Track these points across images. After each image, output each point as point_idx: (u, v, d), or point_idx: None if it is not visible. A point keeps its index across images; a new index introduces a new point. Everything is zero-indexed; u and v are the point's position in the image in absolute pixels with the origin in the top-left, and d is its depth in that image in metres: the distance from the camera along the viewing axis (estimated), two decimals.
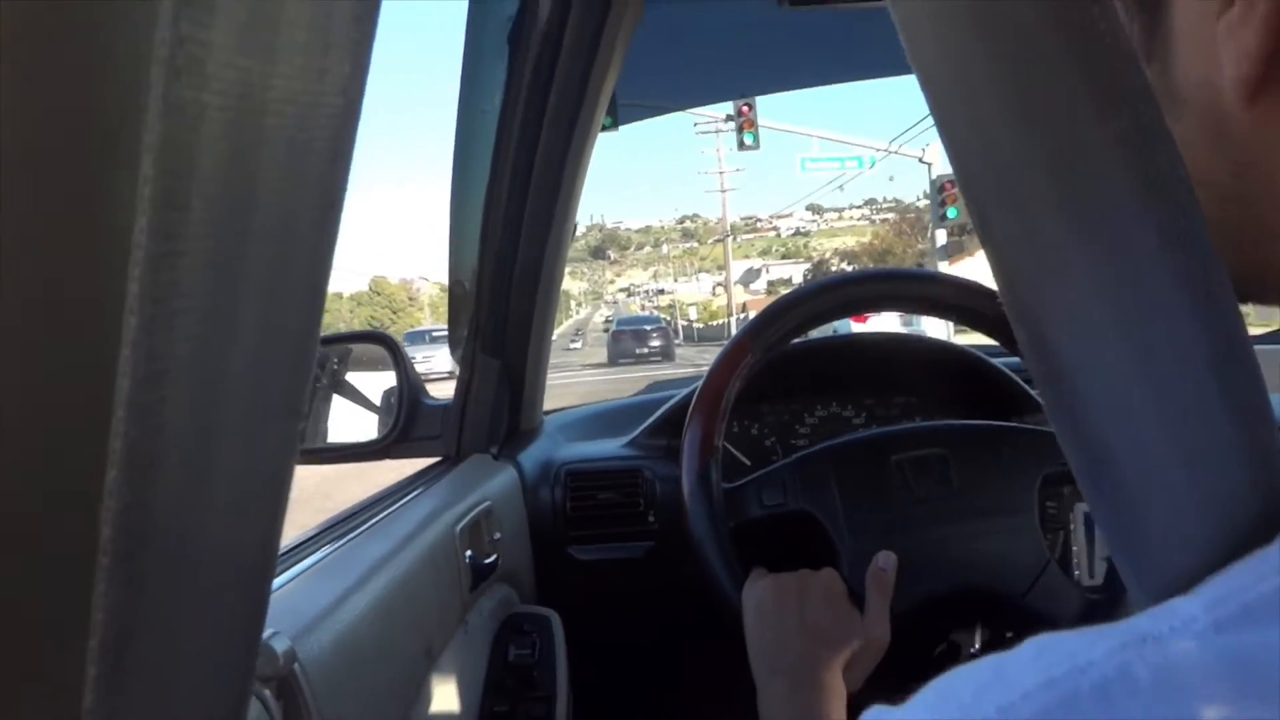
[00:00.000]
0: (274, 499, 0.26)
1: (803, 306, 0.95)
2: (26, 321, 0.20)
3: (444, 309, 1.22)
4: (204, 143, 0.20)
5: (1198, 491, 0.28)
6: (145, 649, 0.23)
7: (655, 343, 20.47)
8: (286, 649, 0.55)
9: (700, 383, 0.96)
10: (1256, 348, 0.27)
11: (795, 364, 1.25)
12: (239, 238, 0.22)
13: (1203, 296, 0.28)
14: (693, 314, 65.32)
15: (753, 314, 1.08)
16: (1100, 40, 0.25)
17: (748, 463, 1.26)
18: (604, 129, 1.07)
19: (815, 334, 1.23)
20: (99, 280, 0.21)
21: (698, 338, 50.40)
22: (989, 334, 0.98)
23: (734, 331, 1.02)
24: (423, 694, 0.81)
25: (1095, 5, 0.24)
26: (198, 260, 0.21)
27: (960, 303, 0.96)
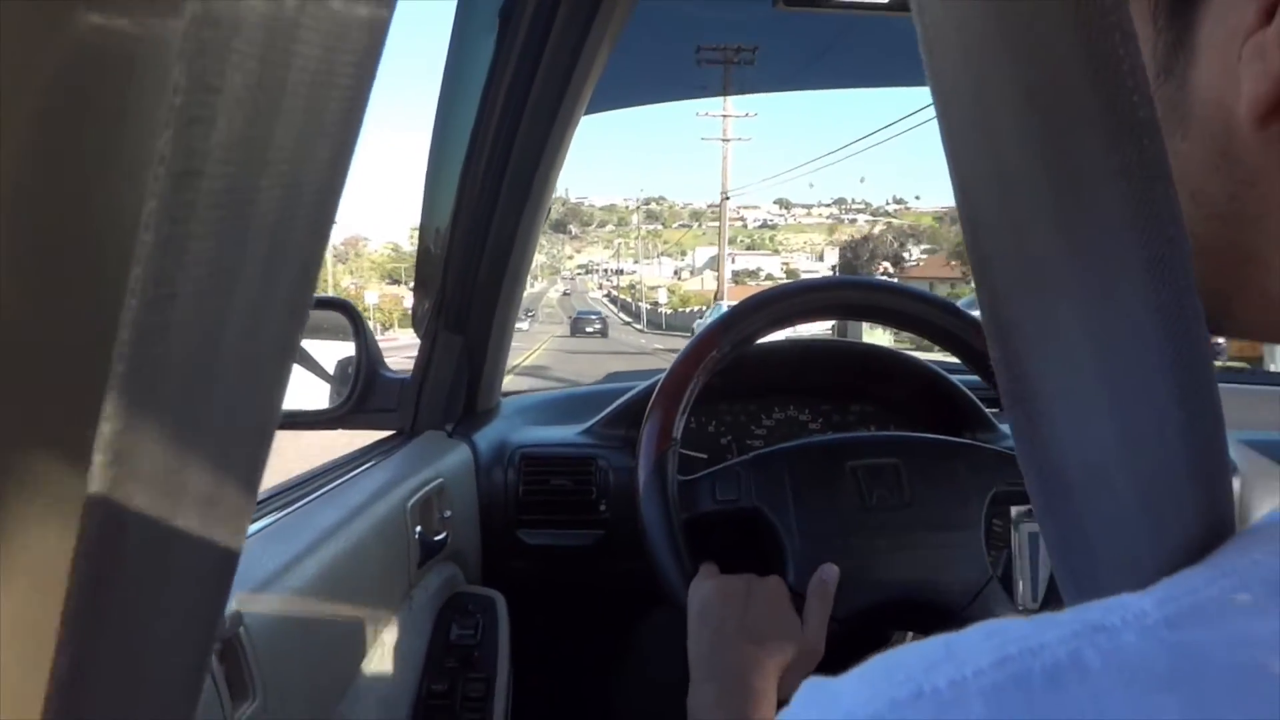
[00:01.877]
0: (259, 442, 0.26)
1: (775, 306, 0.97)
2: (41, 237, 0.20)
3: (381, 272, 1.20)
4: (233, 58, 0.20)
5: (1148, 518, 0.29)
6: (121, 593, 0.23)
7: (597, 326, 35.52)
8: (232, 611, 0.55)
9: (664, 374, 0.97)
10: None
11: (755, 365, 1.27)
12: (256, 165, 0.22)
13: (1179, 331, 0.29)
14: (661, 297, 61.93)
15: (725, 305, 1.10)
16: (1120, 72, 0.26)
17: (703, 457, 1.28)
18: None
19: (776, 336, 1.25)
20: (119, 193, 0.21)
21: (665, 325, 48.55)
22: (955, 353, 1.00)
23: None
24: (363, 666, 0.81)
25: (1118, 34, 0.25)
26: (216, 184, 0.20)
27: (937, 322, 0.98)
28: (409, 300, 1.20)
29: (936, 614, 0.91)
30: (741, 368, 1.22)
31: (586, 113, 1.45)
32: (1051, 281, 0.30)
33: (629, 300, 77.71)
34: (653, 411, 0.94)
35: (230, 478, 0.25)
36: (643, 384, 1.29)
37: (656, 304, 59.23)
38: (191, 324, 0.22)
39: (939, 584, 0.91)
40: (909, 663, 0.23)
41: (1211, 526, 0.29)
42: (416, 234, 1.12)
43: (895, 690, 0.22)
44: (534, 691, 1.20)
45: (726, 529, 0.98)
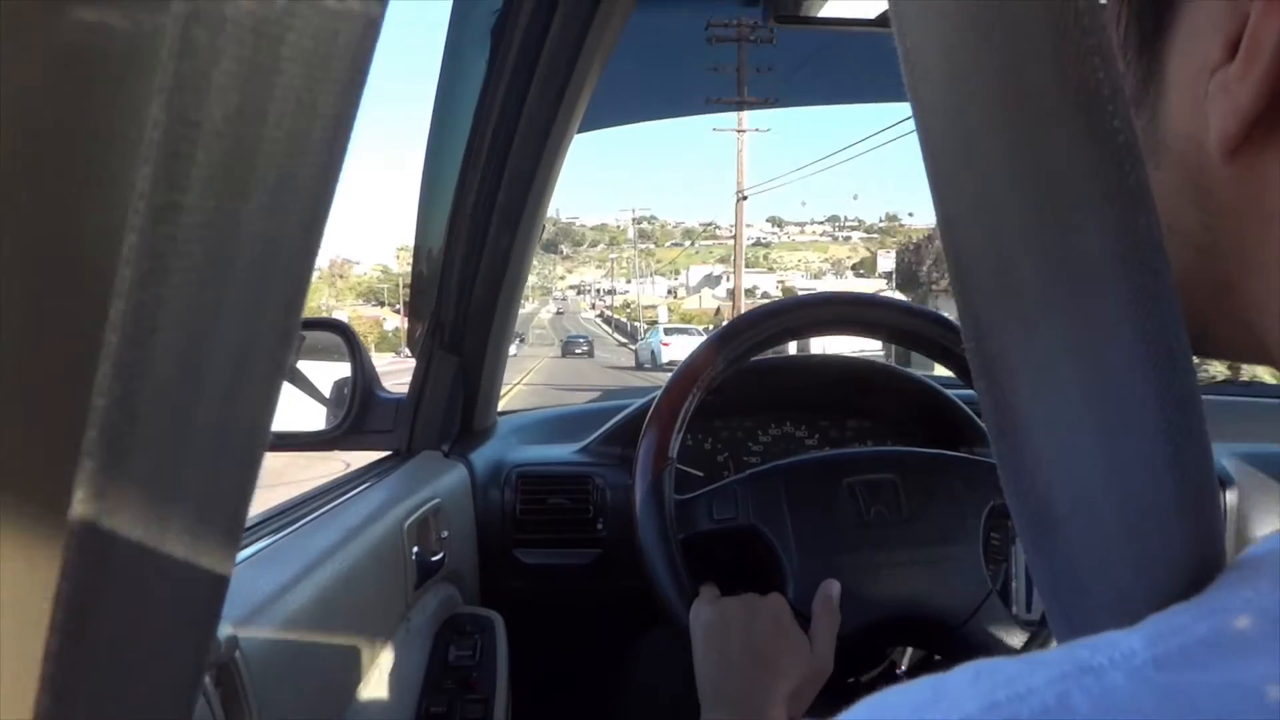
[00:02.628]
0: (246, 469, 0.25)
1: (772, 321, 0.97)
2: (21, 266, 0.20)
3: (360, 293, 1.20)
4: (215, 91, 0.20)
5: (1136, 551, 0.29)
6: (107, 622, 0.23)
7: (584, 348, 38.85)
8: (228, 636, 0.55)
9: (659, 391, 0.97)
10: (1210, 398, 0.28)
11: (751, 381, 1.27)
12: (238, 196, 0.21)
13: (1165, 361, 0.29)
14: (661, 315, 59.21)
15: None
16: (1100, 97, 0.26)
17: (700, 474, 1.28)
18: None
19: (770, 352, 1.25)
20: (99, 229, 0.21)
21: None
22: (951, 368, 1.01)
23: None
24: (361, 689, 0.80)
25: (1098, 58, 0.25)
26: (196, 217, 0.20)
27: (931, 336, 0.98)
28: (391, 323, 1.20)
29: (936, 629, 0.91)
30: (737, 384, 1.22)
31: (582, 130, 1.47)
32: (1034, 311, 0.30)
33: (624, 320, 77.19)
34: (648, 431, 0.94)
35: (217, 506, 0.25)
36: (638, 402, 1.29)
37: (655, 323, 56.65)
38: (174, 357, 0.21)
39: (938, 599, 0.90)
40: (895, 706, 0.23)
41: (1202, 560, 0.29)
42: (407, 254, 1.13)
43: None
44: (533, 712, 1.19)
45: (725, 547, 0.97)
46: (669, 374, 0.98)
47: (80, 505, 0.21)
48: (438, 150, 1.02)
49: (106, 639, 0.23)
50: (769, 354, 1.15)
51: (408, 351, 1.32)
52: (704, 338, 0.99)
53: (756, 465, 1.27)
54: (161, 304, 0.21)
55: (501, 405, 1.43)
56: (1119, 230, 0.27)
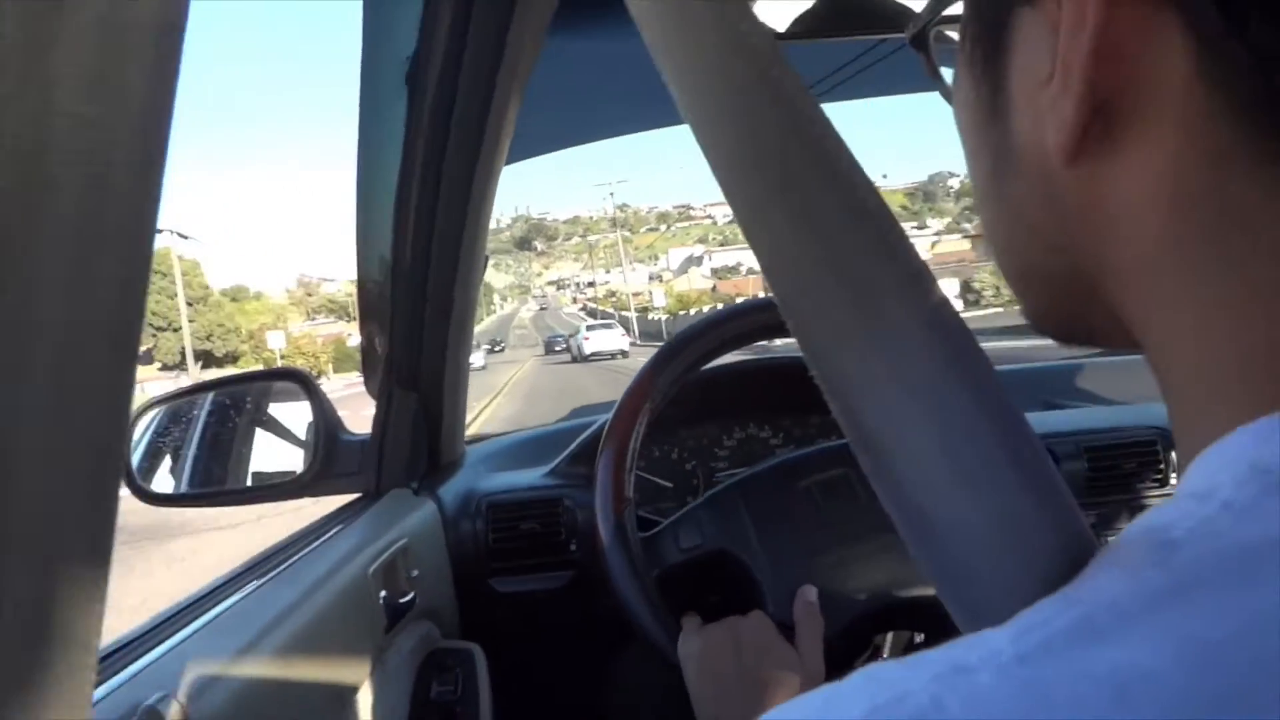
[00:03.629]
0: (89, 557, 0.24)
1: (698, 343, 0.98)
2: None
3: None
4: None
5: (1010, 545, 0.31)
6: None
7: (564, 345, 39.71)
8: (174, 712, 0.56)
9: (605, 428, 0.98)
10: (1134, 357, 0.30)
11: (711, 388, 1.28)
12: (28, 233, 0.21)
13: (970, 377, 0.32)
14: (657, 299, 55.72)
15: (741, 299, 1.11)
16: (813, 137, 0.33)
17: (669, 485, 1.29)
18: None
19: (734, 356, 1.26)
20: None
21: (667, 336, 45.16)
22: None
23: None
24: None
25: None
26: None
27: None
28: (355, 339, 1.20)
29: (916, 610, 0.92)
30: (698, 393, 1.24)
31: (533, 155, 1.48)
32: (845, 328, 0.33)
33: (610, 311, 75.63)
34: (599, 474, 0.95)
35: (65, 533, 0.23)
36: (601, 418, 1.30)
37: (647, 310, 55.04)
38: None
39: (912, 580, 0.91)
40: (792, 713, 0.25)
41: (1069, 549, 0.31)
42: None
43: None
44: None
45: (699, 573, 0.98)
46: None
47: None
48: (368, 195, 1.03)
49: None
50: (729, 358, 1.16)
51: None
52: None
53: (725, 469, 1.29)
54: None
55: (484, 419, 1.44)
56: (872, 239, 0.32)
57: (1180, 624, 0.20)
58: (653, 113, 1.34)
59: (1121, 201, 0.27)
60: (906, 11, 1.05)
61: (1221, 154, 0.24)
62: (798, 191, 0.33)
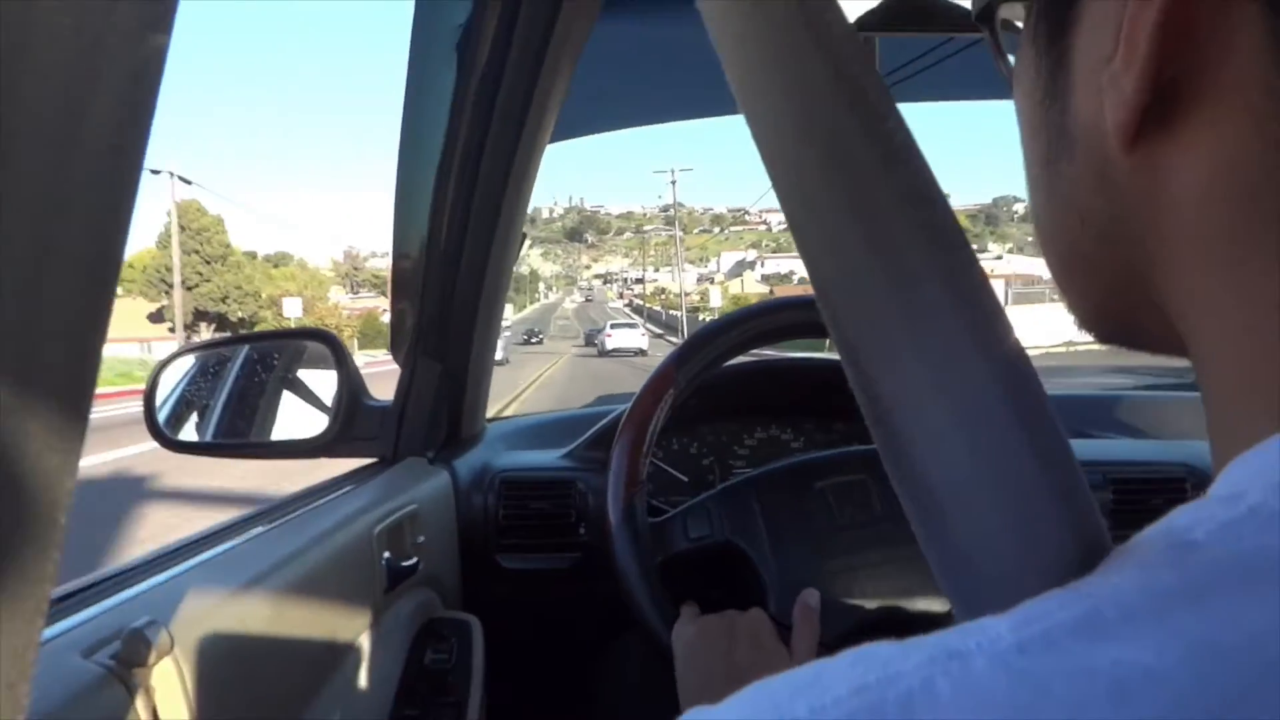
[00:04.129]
0: (57, 469, 0.24)
1: (726, 336, 0.98)
2: None
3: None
4: None
5: (1018, 535, 0.31)
6: None
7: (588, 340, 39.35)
8: (162, 638, 0.56)
9: (625, 412, 0.98)
10: (1170, 395, 0.29)
11: (736, 385, 1.28)
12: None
13: (994, 348, 0.31)
14: (714, 299, 54.87)
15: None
16: (870, 105, 0.31)
17: (684, 479, 1.29)
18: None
19: (765, 354, 1.25)
20: None
21: None
22: None
23: None
24: (329, 694, 0.82)
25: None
26: None
27: None
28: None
29: (919, 628, 0.90)
30: (723, 388, 1.23)
31: (578, 135, 1.48)
32: (874, 299, 0.33)
33: (658, 309, 75.06)
34: (615, 456, 0.95)
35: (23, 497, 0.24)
36: (623, 407, 1.30)
37: (699, 310, 54.75)
38: None
39: (920, 594, 0.90)
40: (778, 689, 0.24)
41: (1086, 543, 0.30)
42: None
43: (760, 715, 0.23)
44: (510, 715, 1.20)
45: (705, 564, 0.98)
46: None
47: None
48: (410, 163, 1.04)
49: None
50: (753, 356, 1.15)
51: None
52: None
53: (742, 468, 1.28)
54: None
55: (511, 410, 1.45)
56: (917, 223, 0.31)
57: (1190, 626, 0.20)
58: (704, 100, 1.34)
59: (1178, 190, 0.26)
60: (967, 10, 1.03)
61: None
62: (855, 181, 0.32)
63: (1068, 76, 0.29)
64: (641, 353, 31.08)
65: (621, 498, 0.92)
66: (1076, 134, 0.29)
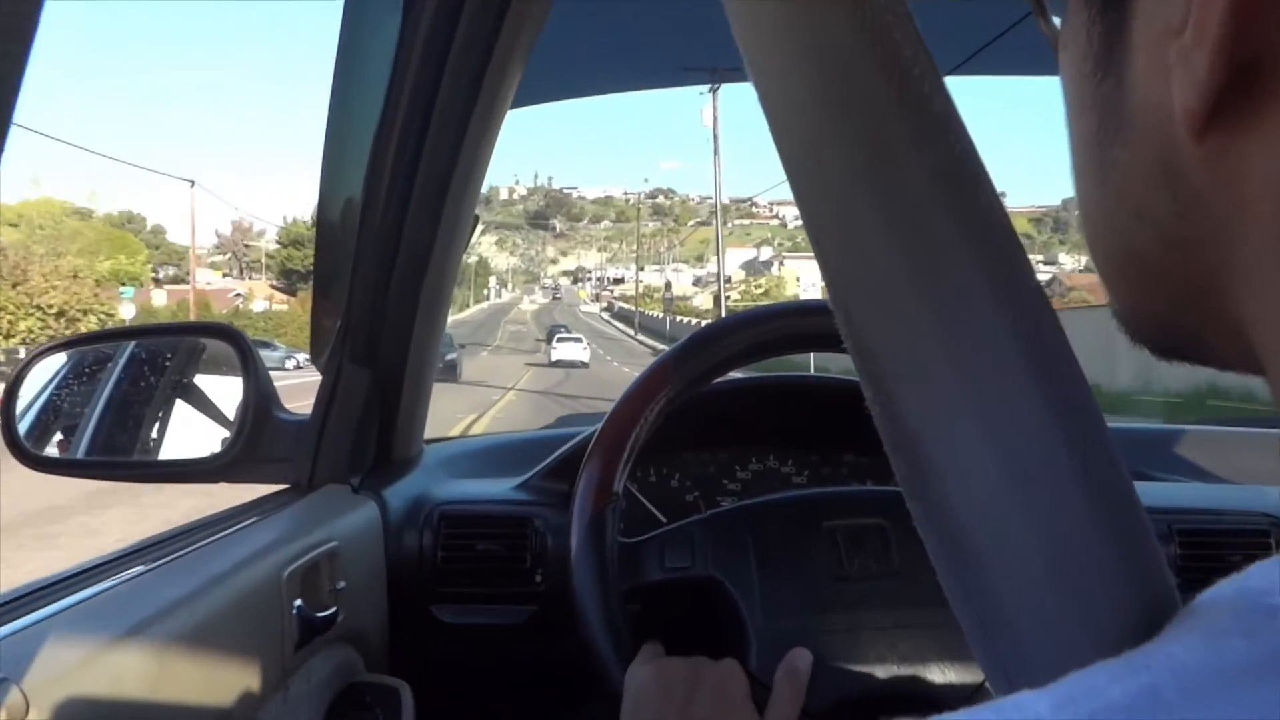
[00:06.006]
0: None
1: (737, 336, 0.96)
2: None
3: None
4: None
5: (1067, 590, 0.30)
6: None
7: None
8: (13, 699, 0.54)
9: (607, 415, 0.96)
10: (1249, 431, 0.29)
11: (727, 405, 1.27)
12: None
13: (1044, 362, 0.31)
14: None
15: None
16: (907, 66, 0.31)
17: (663, 519, 1.27)
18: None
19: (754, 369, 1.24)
20: None
21: None
22: None
23: None
24: None
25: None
26: None
27: None
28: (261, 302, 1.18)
29: (931, 709, 0.89)
30: (711, 409, 1.22)
31: (542, 100, 1.47)
32: (897, 298, 0.33)
33: (657, 314, 71.99)
34: (590, 460, 0.94)
35: None
36: (590, 429, 1.28)
37: (699, 322, 54.84)
38: None
39: (934, 671, 0.89)
40: None
41: (1149, 602, 0.29)
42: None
43: None
44: None
45: (678, 601, 0.97)
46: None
47: None
48: (341, 128, 1.02)
49: None
50: (750, 371, 1.14)
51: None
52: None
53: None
54: None
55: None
56: (962, 211, 0.31)
57: (1266, 707, 0.20)
58: (686, 65, 1.34)
59: (1257, 187, 0.25)
60: None
61: None
62: (881, 159, 0.33)
63: (1125, 47, 0.29)
64: (584, 364, 35.88)
65: (589, 507, 0.91)
66: (1133, 115, 0.29)
